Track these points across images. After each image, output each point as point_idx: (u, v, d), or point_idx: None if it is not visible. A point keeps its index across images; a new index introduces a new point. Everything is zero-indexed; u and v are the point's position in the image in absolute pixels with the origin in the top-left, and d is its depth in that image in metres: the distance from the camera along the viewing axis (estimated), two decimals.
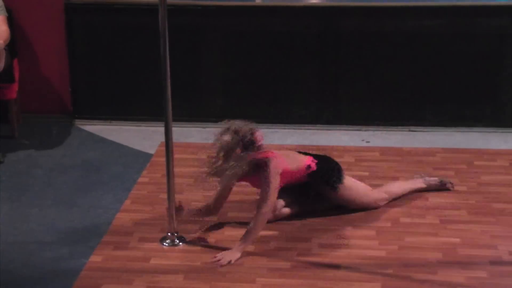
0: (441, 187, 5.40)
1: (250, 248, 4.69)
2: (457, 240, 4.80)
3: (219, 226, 5.02)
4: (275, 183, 4.72)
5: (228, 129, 4.70)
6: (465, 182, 5.59)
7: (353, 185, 5.11)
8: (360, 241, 4.82)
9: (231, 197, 5.18)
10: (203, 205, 4.98)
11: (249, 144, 4.67)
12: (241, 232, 4.80)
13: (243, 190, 5.17)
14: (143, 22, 6.35)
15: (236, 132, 4.67)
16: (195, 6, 6.54)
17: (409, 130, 6.56)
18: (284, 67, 6.51)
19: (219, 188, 4.88)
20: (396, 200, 5.29)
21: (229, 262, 4.53)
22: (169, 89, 4.58)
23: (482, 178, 5.65)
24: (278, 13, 6.36)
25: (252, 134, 4.71)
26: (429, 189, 5.38)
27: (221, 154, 4.63)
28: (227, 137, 4.66)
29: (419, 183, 5.38)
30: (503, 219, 5.06)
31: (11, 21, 6.36)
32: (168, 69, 4.54)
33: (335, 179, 5.00)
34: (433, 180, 5.40)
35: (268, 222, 4.84)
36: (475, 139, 6.36)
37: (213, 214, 5.00)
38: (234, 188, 5.09)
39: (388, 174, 5.73)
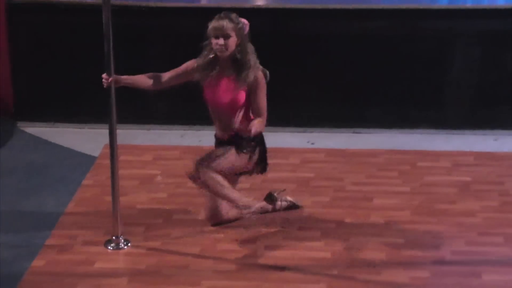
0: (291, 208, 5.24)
1: (195, 250, 4.69)
2: (401, 240, 4.85)
3: (163, 228, 4.99)
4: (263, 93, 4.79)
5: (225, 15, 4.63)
6: (409, 183, 5.65)
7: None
8: (305, 242, 4.83)
9: (176, 198, 5.18)
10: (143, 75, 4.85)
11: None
12: (188, 231, 4.81)
13: (189, 192, 5.14)
14: (87, 22, 6.28)
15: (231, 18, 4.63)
16: (139, 7, 6.52)
17: (354, 132, 6.60)
18: None
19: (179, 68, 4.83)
20: (337, 200, 5.36)
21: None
22: (113, 91, 4.56)
23: (425, 179, 5.71)
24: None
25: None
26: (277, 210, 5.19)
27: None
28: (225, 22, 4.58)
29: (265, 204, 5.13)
30: (446, 219, 5.12)
31: None
32: (112, 70, 4.52)
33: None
34: (283, 206, 5.17)
35: (216, 225, 4.89)
36: (419, 140, 6.42)
37: (156, 87, 4.89)
38: (180, 190, 5.08)
39: (333, 175, 5.77)
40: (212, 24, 4.59)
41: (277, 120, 6.65)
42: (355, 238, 4.87)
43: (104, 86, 4.55)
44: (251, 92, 4.72)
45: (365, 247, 4.78)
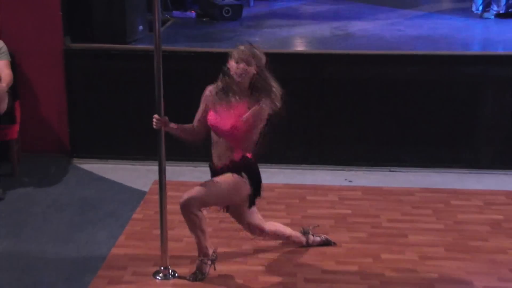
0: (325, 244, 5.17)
1: (238, 282, 4.68)
2: (435, 275, 4.80)
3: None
4: (259, 123, 4.52)
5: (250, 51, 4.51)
6: (442, 220, 5.61)
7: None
8: (342, 276, 4.80)
9: (220, 233, 5.19)
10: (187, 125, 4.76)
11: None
12: (230, 267, 4.80)
13: (232, 227, 5.15)
14: (138, 67, 6.38)
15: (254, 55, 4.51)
16: (188, 52, 6.59)
17: (389, 171, 6.58)
18: None
19: (200, 109, 4.72)
20: (373, 236, 5.31)
21: None
22: (162, 130, 4.60)
23: (458, 217, 5.66)
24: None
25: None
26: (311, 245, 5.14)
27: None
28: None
29: (299, 238, 5.10)
30: (478, 256, 5.07)
31: (14, 65, 6.39)
32: (162, 111, 4.57)
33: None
34: (316, 240, 5.14)
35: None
36: (452, 180, 6.38)
37: (195, 138, 4.78)
38: (223, 225, 5.09)
39: (370, 212, 5.74)
40: (235, 50, 4.52)
41: (316, 159, 6.68)
42: (390, 274, 4.83)
43: (154, 127, 4.58)
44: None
45: (400, 282, 4.73)
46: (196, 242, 4.70)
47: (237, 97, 4.52)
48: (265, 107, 4.44)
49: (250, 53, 4.47)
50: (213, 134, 4.67)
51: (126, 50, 6.66)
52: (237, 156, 4.63)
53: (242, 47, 4.51)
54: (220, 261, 4.92)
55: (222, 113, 4.54)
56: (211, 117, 4.60)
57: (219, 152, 4.67)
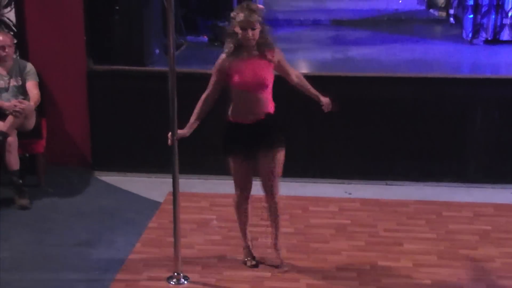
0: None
1: (245, 287, 4.63)
2: (428, 282, 4.77)
3: (218, 267, 4.95)
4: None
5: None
6: (435, 230, 5.56)
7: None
8: (342, 282, 4.77)
9: (229, 241, 5.15)
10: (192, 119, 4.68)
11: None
12: (238, 273, 4.77)
13: (240, 235, 5.11)
14: (155, 87, 6.34)
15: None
16: (200, 74, 6.56)
17: (386, 184, 6.53)
18: None
19: (213, 81, 4.64)
20: (371, 244, 5.29)
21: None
22: (176, 146, 4.58)
23: (449, 227, 5.61)
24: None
25: None
26: None
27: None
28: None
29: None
30: (468, 263, 5.03)
31: (41, 86, 6.39)
32: (176, 128, 4.55)
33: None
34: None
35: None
36: (443, 193, 6.33)
37: (207, 110, 4.71)
38: (232, 233, 5.05)
39: (367, 222, 5.70)
40: (240, 18, 4.38)
41: (318, 172, 6.64)
42: (386, 280, 4.79)
43: (169, 144, 4.55)
44: (280, 65, 4.63)
45: (396, 287, 4.68)
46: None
47: (251, 53, 4.50)
48: (280, 52, 4.61)
49: (255, 17, 4.37)
50: (238, 94, 4.57)
51: (144, 72, 6.65)
52: (271, 107, 4.65)
53: (243, 12, 4.37)
54: (229, 267, 4.89)
55: (248, 71, 4.50)
56: (239, 78, 4.50)
57: (248, 108, 4.58)
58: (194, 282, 4.75)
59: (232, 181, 4.82)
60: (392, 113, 6.48)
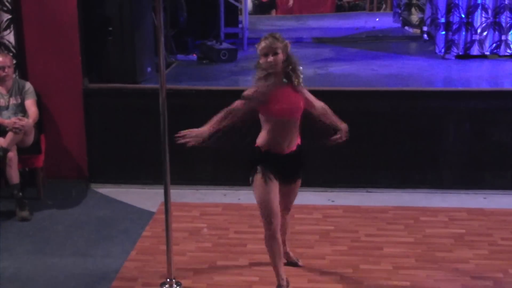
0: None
1: None
2: (407, 283, 4.77)
3: (209, 272, 4.93)
4: None
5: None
6: (413, 234, 5.56)
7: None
8: (326, 285, 4.77)
9: (219, 248, 5.13)
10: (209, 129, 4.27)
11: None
12: (227, 278, 4.75)
13: (229, 242, 5.10)
14: (147, 103, 6.36)
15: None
16: (190, 90, 6.57)
17: (367, 191, 6.53)
18: None
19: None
20: (353, 249, 5.29)
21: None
22: (167, 158, 4.57)
23: (426, 231, 5.62)
24: None
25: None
26: None
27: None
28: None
29: None
30: (444, 265, 5.03)
31: (39, 103, 6.38)
32: (167, 141, 4.53)
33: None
34: None
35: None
36: (420, 199, 6.34)
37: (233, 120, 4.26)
38: (221, 240, 5.03)
39: (350, 228, 5.69)
40: (261, 45, 4.18)
41: (303, 181, 6.61)
42: (368, 282, 4.79)
43: (193, 144, 4.21)
44: (305, 97, 4.36)
45: None
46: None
47: (281, 82, 4.25)
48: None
49: (276, 43, 4.15)
50: (273, 123, 4.26)
51: (136, 89, 6.64)
52: (300, 139, 4.45)
53: (265, 41, 4.18)
54: (219, 273, 4.87)
55: (284, 99, 4.23)
56: (277, 106, 4.20)
57: (287, 139, 4.31)
58: None
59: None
60: (371, 125, 6.49)
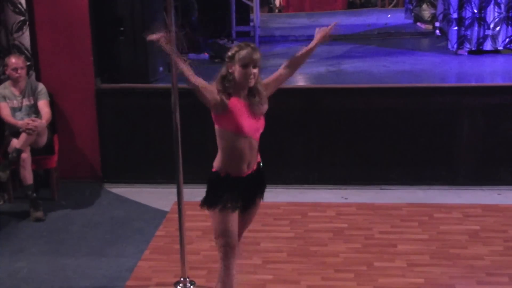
0: None
1: None
2: (421, 280, 4.75)
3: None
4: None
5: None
6: (427, 231, 5.54)
7: None
8: (340, 282, 4.75)
9: None
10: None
11: None
12: (241, 276, 4.74)
13: (242, 241, 5.09)
14: (159, 103, 6.36)
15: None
16: None
17: (380, 188, 6.52)
18: (279, 138, 6.45)
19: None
20: (367, 246, 5.27)
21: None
22: (180, 157, 4.59)
23: (440, 228, 5.60)
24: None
25: None
26: None
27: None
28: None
29: None
30: (459, 262, 5.01)
31: (52, 104, 6.41)
32: (179, 141, 4.54)
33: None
34: None
35: None
36: (434, 195, 6.31)
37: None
38: None
39: (363, 226, 5.68)
40: (242, 54, 3.71)
41: (316, 179, 6.63)
42: (382, 279, 4.78)
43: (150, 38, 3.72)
44: (272, 83, 3.96)
45: (391, 286, 4.68)
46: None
47: (245, 95, 3.83)
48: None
49: (258, 55, 3.75)
50: (234, 142, 3.81)
51: (148, 89, 6.65)
52: (259, 156, 4.00)
53: (246, 50, 3.74)
54: None
55: (243, 116, 3.78)
56: (242, 121, 3.77)
57: (248, 158, 3.86)
58: (200, 286, 4.73)
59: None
60: (385, 122, 6.48)
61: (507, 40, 8.04)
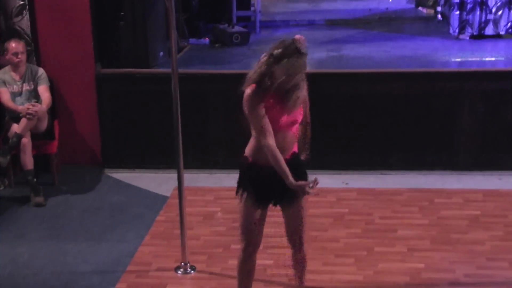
0: None
1: None
2: (422, 265, 4.76)
3: (223, 256, 4.94)
4: None
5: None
6: (427, 216, 5.55)
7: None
8: (341, 268, 4.77)
9: (233, 231, 5.14)
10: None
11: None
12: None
13: None
14: (159, 88, 6.33)
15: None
16: (202, 74, 6.56)
17: (381, 174, 6.51)
18: None
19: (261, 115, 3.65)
20: (367, 231, 5.27)
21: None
22: (180, 143, 4.58)
23: (441, 213, 5.60)
24: None
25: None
26: None
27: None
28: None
29: None
30: (459, 247, 5.02)
31: (52, 89, 6.39)
32: (180, 126, 4.53)
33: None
34: None
35: None
36: (434, 181, 6.31)
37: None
38: (235, 224, 5.05)
39: (364, 211, 5.69)
40: (297, 67, 3.63)
41: (317, 165, 6.59)
42: (383, 264, 4.79)
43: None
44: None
45: (391, 271, 4.70)
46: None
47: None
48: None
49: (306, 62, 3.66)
50: (280, 130, 3.69)
51: (149, 74, 6.63)
52: (295, 147, 3.85)
53: (296, 60, 3.65)
54: (233, 256, 4.85)
55: (283, 111, 3.67)
56: (280, 113, 3.67)
57: (280, 148, 3.66)
58: (200, 271, 4.75)
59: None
60: (385, 107, 6.46)
61: (509, 24, 8.01)
